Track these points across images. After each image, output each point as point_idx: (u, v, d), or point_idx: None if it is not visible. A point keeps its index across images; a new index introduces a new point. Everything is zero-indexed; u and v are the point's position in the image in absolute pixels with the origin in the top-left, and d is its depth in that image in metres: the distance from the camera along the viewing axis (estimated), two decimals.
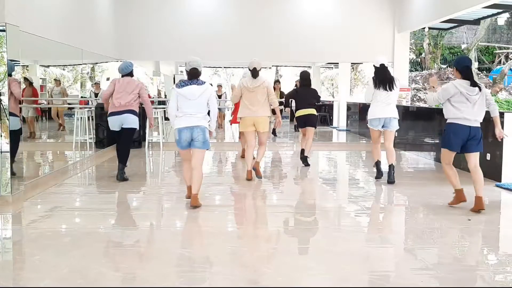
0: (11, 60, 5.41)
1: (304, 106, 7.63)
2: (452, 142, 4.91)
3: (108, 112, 6.45)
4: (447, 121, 4.98)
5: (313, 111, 7.64)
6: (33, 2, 6.48)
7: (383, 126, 6.42)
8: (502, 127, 6.31)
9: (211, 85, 5.44)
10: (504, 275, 3.39)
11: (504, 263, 3.66)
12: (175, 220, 4.87)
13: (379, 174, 6.60)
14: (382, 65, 6.46)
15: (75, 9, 8.12)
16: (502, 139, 5.32)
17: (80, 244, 3.89)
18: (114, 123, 6.40)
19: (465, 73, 4.89)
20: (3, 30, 5.26)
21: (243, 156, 8.57)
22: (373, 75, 6.55)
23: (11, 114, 5.43)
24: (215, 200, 5.78)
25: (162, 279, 3.18)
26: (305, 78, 7.84)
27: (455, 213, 4.94)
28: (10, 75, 5.53)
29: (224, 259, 3.59)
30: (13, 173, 5.44)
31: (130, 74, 6.54)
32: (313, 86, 7.95)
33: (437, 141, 8.43)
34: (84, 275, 3.24)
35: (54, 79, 8.03)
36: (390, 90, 6.31)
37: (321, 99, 17.38)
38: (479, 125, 4.89)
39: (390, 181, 6.35)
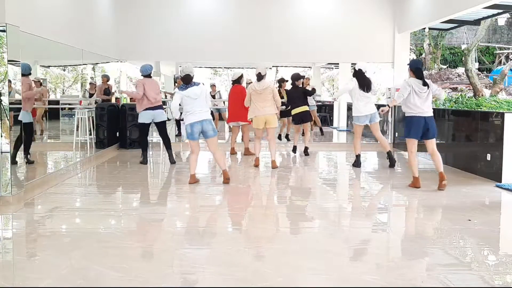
0: (11, 60, 5.42)
1: (298, 105, 8.60)
2: (413, 132, 5.92)
3: (142, 108, 7.73)
4: (406, 116, 6.00)
5: (305, 108, 8.63)
6: (33, 2, 6.48)
7: (369, 121, 7.51)
8: (502, 127, 6.35)
9: (203, 84, 6.46)
10: (504, 275, 3.39)
11: (504, 263, 3.66)
12: (175, 220, 4.88)
13: (358, 164, 7.61)
14: (360, 70, 7.46)
15: (75, 9, 8.12)
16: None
17: (80, 244, 3.90)
18: (148, 117, 7.79)
19: (417, 73, 5.94)
20: (3, 30, 5.25)
21: (246, 154, 9.01)
22: (352, 77, 7.68)
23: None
24: (215, 200, 5.79)
25: (162, 279, 3.19)
26: (294, 78, 8.78)
27: (455, 213, 4.95)
28: (25, 75, 6.35)
29: (224, 259, 3.59)
30: (30, 162, 6.70)
31: (150, 75, 7.87)
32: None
33: (437, 142, 8.42)
34: (84, 275, 3.25)
35: (33, 80, 8.02)
36: (368, 91, 7.40)
37: (321, 99, 17.48)
38: (431, 115, 5.92)
39: (392, 164, 7.52)
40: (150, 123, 7.92)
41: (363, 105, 7.42)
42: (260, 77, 7.50)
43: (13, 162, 5.91)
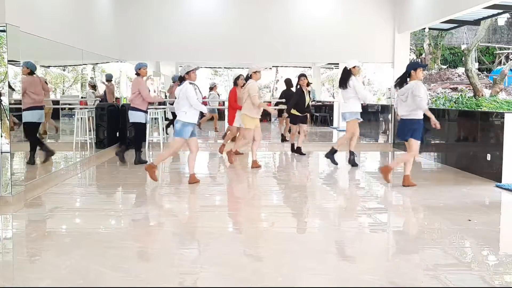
0: (11, 60, 5.42)
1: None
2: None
3: None
4: None
5: (293, 111, 8.77)
6: (33, 2, 6.48)
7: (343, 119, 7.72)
8: (503, 127, 6.35)
9: (193, 84, 6.18)
10: (504, 275, 3.39)
11: (504, 263, 3.66)
12: (175, 220, 4.88)
13: (351, 161, 7.86)
14: (344, 68, 7.64)
15: (75, 9, 8.12)
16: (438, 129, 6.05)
17: (80, 244, 3.90)
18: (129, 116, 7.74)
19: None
20: (3, 31, 5.26)
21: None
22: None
23: (37, 107, 6.60)
24: (215, 200, 5.79)
25: (162, 279, 3.19)
26: (298, 77, 8.99)
27: (455, 213, 4.95)
28: (33, 73, 6.73)
29: (224, 259, 3.59)
30: (33, 162, 6.75)
31: (137, 73, 7.63)
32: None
33: (437, 142, 8.44)
34: (84, 275, 3.25)
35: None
36: (343, 88, 7.54)
37: (319, 99, 17.50)
38: (411, 118, 5.93)
39: (331, 158, 7.76)
40: (144, 122, 7.72)
41: (342, 102, 7.77)
42: (246, 78, 7.64)
43: (31, 162, 6.63)
